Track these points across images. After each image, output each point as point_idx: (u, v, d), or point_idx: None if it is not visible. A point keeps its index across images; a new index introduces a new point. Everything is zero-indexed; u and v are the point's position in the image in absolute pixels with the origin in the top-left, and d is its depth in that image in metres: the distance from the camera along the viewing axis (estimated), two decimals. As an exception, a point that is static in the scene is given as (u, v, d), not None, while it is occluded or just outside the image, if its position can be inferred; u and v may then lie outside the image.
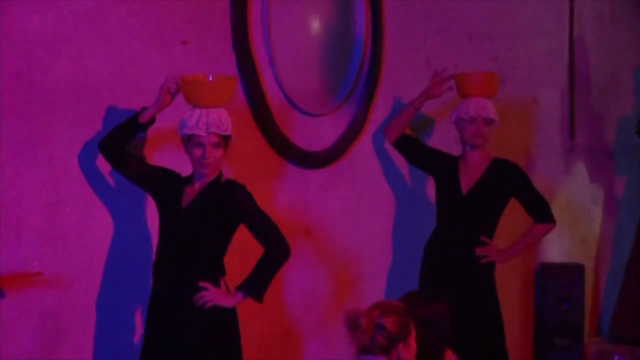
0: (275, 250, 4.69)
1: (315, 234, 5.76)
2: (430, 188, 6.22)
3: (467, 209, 5.81)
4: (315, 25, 5.77)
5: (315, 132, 5.76)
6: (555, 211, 6.01)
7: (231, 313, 4.75)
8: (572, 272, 7.56)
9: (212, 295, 4.64)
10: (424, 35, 6.52)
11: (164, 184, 4.80)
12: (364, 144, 6.08)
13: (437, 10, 6.60)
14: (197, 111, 4.64)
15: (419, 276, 5.91)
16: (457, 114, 5.82)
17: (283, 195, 5.61)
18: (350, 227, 6.01)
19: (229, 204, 4.71)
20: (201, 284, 4.65)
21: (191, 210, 4.72)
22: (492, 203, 5.83)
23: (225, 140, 4.70)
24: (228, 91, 4.70)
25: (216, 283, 4.69)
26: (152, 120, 4.72)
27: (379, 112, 6.15)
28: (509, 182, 5.84)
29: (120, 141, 4.72)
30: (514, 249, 5.97)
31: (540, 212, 5.87)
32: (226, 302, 4.67)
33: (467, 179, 5.84)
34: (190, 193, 4.75)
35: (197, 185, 4.75)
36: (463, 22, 6.82)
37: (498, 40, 7.10)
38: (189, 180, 4.80)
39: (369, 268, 6.13)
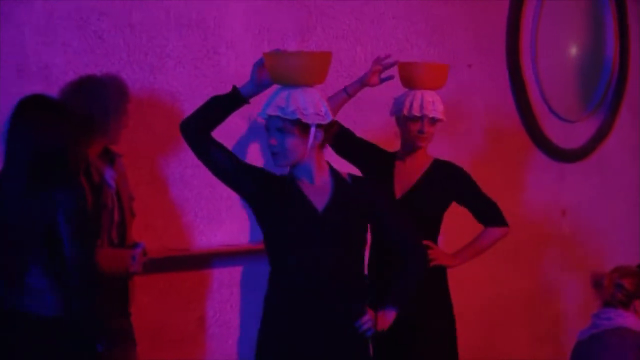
0: (415, 262, 3.41)
1: (569, 213, 5.71)
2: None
3: None
4: (573, 50, 5.72)
5: (570, 134, 5.71)
6: None
7: None
8: None
9: (379, 321, 3.27)
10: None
11: (270, 186, 3.26)
12: (610, 144, 5.97)
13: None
14: (274, 92, 3.27)
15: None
16: (399, 109, 4.01)
17: (543, 183, 5.59)
18: (598, 208, 5.91)
19: (370, 204, 3.33)
20: (367, 308, 3.25)
21: (332, 213, 3.25)
22: (431, 207, 4.03)
23: (301, 125, 3.20)
24: (310, 69, 3.24)
25: (365, 298, 3.30)
26: (247, 99, 3.31)
27: (624, 119, 6.03)
28: (451, 186, 4.07)
29: (211, 120, 3.26)
30: (466, 253, 4.14)
31: (491, 217, 4.14)
32: (385, 325, 3.31)
33: (403, 182, 4.05)
34: (315, 194, 3.26)
35: (318, 184, 3.28)
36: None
37: None
38: (294, 179, 3.28)
39: (614, 239, 6.07)
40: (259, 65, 3.28)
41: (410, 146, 4.05)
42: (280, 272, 3.26)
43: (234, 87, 3.31)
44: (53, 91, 3.64)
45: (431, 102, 3.96)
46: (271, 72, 3.23)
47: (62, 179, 3.27)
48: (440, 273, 4.09)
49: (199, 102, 4.06)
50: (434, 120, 3.99)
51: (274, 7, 4.38)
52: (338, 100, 4.05)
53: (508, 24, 5.33)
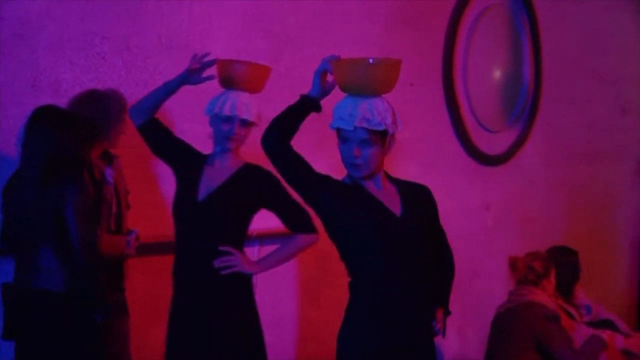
0: (451, 265, 3.09)
1: (493, 208, 5.66)
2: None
3: (203, 217, 3.37)
4: (497, 74, 5.75)
5: (494, 142, 5.70)
6: None
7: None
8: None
9: (443, 325, 2.94)
10: (573, 81, 6.30)
11: (344, 194, 2.81)
12: (526, 151, 5.92)
13: (580, 63, 6.23)
14: (349, 102, 2.79)
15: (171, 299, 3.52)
16: (212, 109, 3.43)
17: (471, 183, 5.59)
18: (515, 204, 5.86)
19: (432, 208, 2.99)
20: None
21: (409, 217, 2.84)
22: (234, 211, 3.38)
23: (382, 135, 2.81)
24: (387, 78, 2.78)
25: (435, 298, 2.97)
26: (319, 106, 2.86)
27: (537, 130, 6.03)
28: (258, 191, 3.40)
29: (286, 130, 2.78)
30: (270, 261, 3.45)
31: (298, 222, 3.43)
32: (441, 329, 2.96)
33: (209, 184, 3.41)
34: (386, 200, 2.85)
35: (385, 189, 2.87)
36: (594, 67, 6.32)
37: (623, 84, 6.52)
38: (361, 185, 2.84)
39: (528, 229, 6.03)
40: (322, 72, 2.81)
41: (220, 147, 3.46)
42: (364, 279, 2.79)
43: (304, 96, 2.83)
44: (62, 102, 3.68)
45: (243, 104, 3.38)
46: (345, 81, 2.76)
47: (69, 176, 3.30)
48: (244, 280, 3.41)
49: (185, 113, 4.12)
50: (246, 122, 3.41)
51: (249, 35, 4.41)
52: (159, 95, 3.44)
53: (444, 51, 5.37)
